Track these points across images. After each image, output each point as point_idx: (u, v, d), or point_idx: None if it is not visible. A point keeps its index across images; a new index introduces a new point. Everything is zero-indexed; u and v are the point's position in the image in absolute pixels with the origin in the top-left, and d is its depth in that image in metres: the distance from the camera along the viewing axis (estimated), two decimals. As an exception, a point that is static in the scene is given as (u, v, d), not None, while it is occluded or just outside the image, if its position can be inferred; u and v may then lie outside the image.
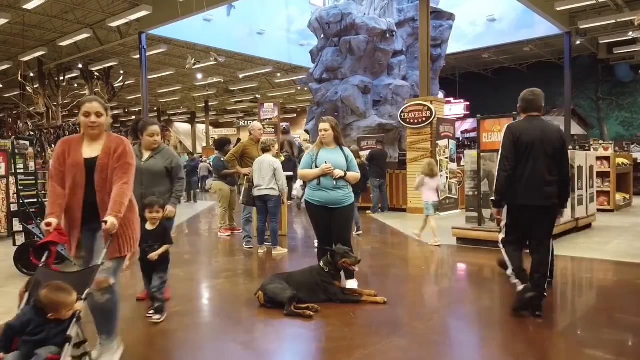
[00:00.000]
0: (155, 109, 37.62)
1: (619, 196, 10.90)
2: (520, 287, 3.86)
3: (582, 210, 7.88)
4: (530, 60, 26.09)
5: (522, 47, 22.95)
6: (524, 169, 3.84)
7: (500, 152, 3.98)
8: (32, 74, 24.10)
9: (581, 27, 18.45)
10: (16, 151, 7.15)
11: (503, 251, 4.12)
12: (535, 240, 3.97)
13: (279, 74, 28.17)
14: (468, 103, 25.85)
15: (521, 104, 4.05)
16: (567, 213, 7.27)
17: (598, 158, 10.53)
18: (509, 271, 4.02)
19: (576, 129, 23.71)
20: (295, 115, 39.70)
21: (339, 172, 4.48)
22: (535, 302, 3.75)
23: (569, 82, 20.21)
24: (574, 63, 21.44)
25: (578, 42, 20.86)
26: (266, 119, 14.20)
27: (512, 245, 4.06)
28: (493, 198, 4.08)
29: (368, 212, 10.98)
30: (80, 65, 23.49)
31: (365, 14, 16.43)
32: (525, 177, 3.83)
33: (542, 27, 19.94)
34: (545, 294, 3.82)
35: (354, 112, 15.98)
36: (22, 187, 6.06)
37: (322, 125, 4.65)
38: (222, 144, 8.64)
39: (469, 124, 26.14)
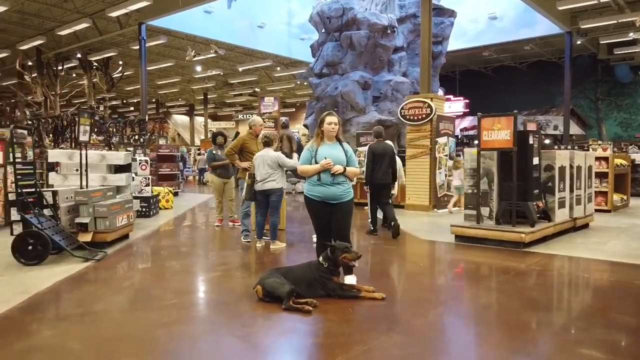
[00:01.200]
0: (153, 100, 37.49)
1: (616, 197, 10.94)
2: (371, 228, 7.86)
3: (580, 210, 7.90)
4: (531, 59, 26.08)
5: (522, 45, 22.94)
6: (377, 167, 7.59)
7: (366, 159, 7.75)
8: (30, 63, 23.92)
9: (582, 27, 18.45)
10: (14, 140, 7.10)
11: (369, 207, 8.10)
12: (383, 203, 7.76)
13: (278, 68, 28.08)
14: (467, 101, 25.83)
15: (374, 134, 8.02)
16: (565, 213, 7.40)
17: (597, 158, 10.56)
18: (370, 221, 8.02)
19: (575, 129, 23.73)
20: (294, 109, 39.64)
21: (338, 168, 4.48)
22: (397, 231, 7.34)
23: (569, 82, 20.24)
24: (574, 63, 21.44)
25: (579, 42, 20.87)
26: (266, 113, 14.19)
27: (372, 206, 7.94)
28: (365, 182, 7.93)
29: (365, 207, 10.99)
30: (79, 55, 23.32)
31: (366, 9, 16.38)
32: (377, 171, 7.59)
33: (543, 26, 19.94)
34: (399, 224, 7.39)
35: (354, 108, 15.96)
36: (20, 177, 6.03)
37: (331, 119, 4.60)
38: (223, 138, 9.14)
39: (468, 121, 26.15)
